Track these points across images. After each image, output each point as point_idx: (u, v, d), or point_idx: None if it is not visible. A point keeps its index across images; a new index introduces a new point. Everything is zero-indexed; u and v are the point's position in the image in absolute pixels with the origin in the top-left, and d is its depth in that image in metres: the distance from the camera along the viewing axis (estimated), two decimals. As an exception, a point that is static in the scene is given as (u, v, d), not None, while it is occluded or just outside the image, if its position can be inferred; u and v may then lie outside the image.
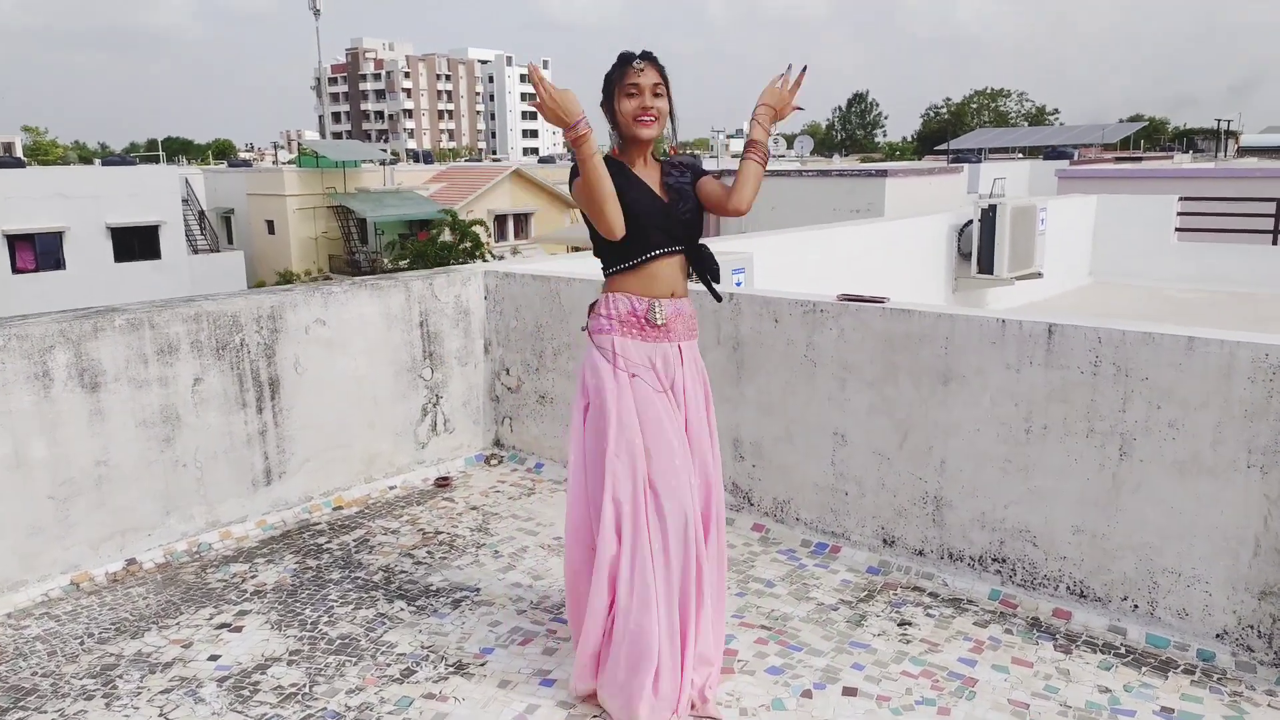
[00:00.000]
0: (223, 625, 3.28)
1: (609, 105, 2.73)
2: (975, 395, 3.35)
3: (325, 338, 4.28)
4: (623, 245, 2.76)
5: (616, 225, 2.66)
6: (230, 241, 37.69)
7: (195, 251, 31.07)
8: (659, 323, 2.79)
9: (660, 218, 2.76)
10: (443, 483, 4.62)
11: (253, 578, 3.65)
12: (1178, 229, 11.14)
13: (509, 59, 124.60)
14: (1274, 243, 10.98)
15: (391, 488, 4.55)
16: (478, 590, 3.52)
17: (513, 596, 3.46)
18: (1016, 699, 2.78)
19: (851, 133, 75.05)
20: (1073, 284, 10.79)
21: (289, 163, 44.62)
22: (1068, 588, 3.23)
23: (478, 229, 33.82)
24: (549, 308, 4.64)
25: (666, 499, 2.68)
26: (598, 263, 2.91)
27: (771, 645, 3.09)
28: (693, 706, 2.70)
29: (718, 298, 3.03)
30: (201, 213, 34.59)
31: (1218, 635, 2.95)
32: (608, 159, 2.78)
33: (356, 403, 4.43)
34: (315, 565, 3.75)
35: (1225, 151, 36.44)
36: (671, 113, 2.76)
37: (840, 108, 78.86)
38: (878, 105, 75.83)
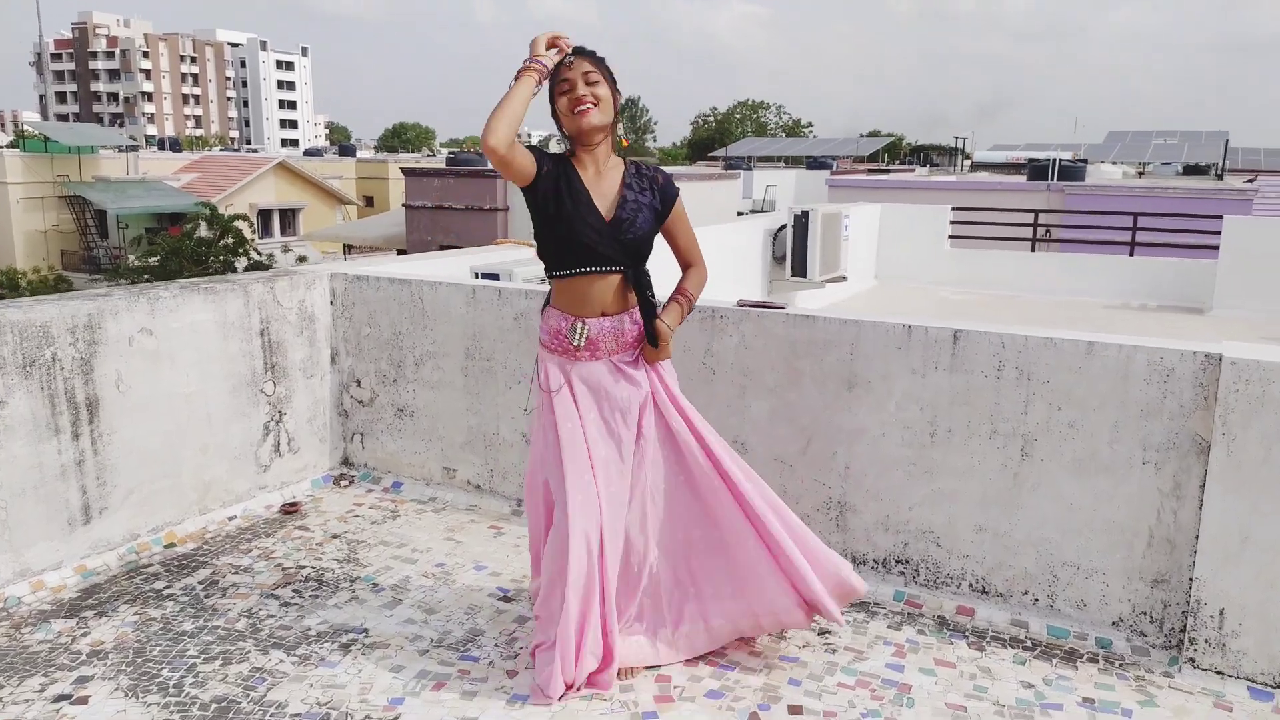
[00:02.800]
0: (61, 697, 2.73)
1: (554, 112, 2.58)
2: (880, 400, 3.38)
3: (151, 350, 3.71)
4: (552, 253, 2.65)
5: (491, 137, 2.44)
6: (-63, 234, 32.90)
7: (-107, 245, 26.87)
8: (575, 344, 2.67)
9: (593, 236, 2.60)
10: (290, 509, 4.14)
11: (84, 635, 3.08)
12: (950, 236, 12.11)
13: (263, 43, 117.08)
14: (1033, 249, 12.17)
15: (231, 518, 4.02)
16: (365, 631, 3.15)
17: (409, 635, 3.12)
18: (953, 702, 2.81)
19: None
20: (863, 286, 11.45)
21: (9, 145, 39.60)
22: (970, 585, 3.33)
23: (240, 224, 31.40)
24: (409, 313, 4.27)
25: (564, 513, 2.69)
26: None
27: (702, 667, 2.96)
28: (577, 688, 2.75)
29: (652, 340, 2.72)
30: (-100, 200, 29.98)
31: (1113, 623, 3.13)
32: (559, 156, 2.63)
33: (188, 423, 3.87)
34: (160, 615, 3.22)
35: (959, 166, 40.33)
36: (617, 106, 2.62)
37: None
38: (648, 111, 77.81)
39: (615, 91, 2.64)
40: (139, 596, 3.35)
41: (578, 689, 2.74)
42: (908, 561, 3.42)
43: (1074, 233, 16.06)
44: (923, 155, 61.84)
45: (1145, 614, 3.08)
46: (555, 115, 2.62)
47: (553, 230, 2.62)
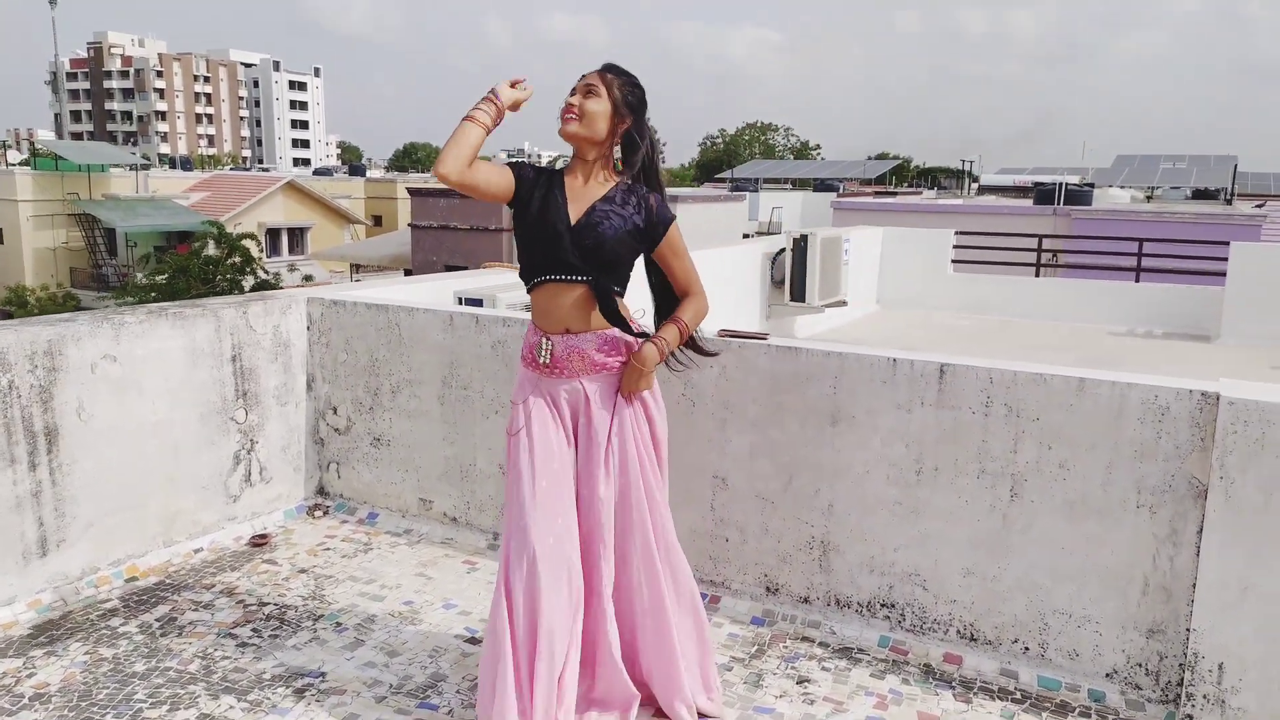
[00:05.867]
0: (-5, 747, 2.61)
1: None
2: (865, 436, 3.24)
3: (116, 377, 3.61)
4: (522, 258, 2.68)
5: (440, 167, 2.41)
6: (-53, 251, 33.07)
7: (-98, 262, 26.99)
8: (542, 361, 2.60)
9: (553, 237, 2.53)
10: (260, 541, 4.02)
11: (29, 677, 2.95)
12: (953, 260, 11.97)
13: (276, 63, 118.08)
14: (1037, 274, 12.01)
15: (197, 550, 3.90)
16: (322, 675, 3.01)
17: (367, 680, 2.99)
18: (935, 759, 2.66)
19: (632, 157, 76.54)
20: (864, 311, 11.31)
21: (21, 164, 39.89)
22: (958, 631, 3.18)
23: (248, 243, 31.46)
24: (386, 340, 4.16)
25: (515, 537, 2.57)
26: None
27: (672, 718, 2.81)
28: None
29: (638, 334, 2.65)
30: (-90, 217, 30.17)
31: (1107, 675, 2.97)
32: (551, 170, 2.63)
33: (154, 452, 3.76)
34: (111, 655, 3.09)
35: (966, 189, 40.23)
36: (638, 140, 2.55)
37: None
38: (656, 131, 77.65)
39: (626, 114, 2.56)
40: (92, 634, 3.23)
41: None
42: (893, 605, 3.27)
43: (1080, 258, 15.90)
44: (930, 178, 61.77)
45: (1140, 666, 2.93)
46: None
47: (520, 233, 2.59)
